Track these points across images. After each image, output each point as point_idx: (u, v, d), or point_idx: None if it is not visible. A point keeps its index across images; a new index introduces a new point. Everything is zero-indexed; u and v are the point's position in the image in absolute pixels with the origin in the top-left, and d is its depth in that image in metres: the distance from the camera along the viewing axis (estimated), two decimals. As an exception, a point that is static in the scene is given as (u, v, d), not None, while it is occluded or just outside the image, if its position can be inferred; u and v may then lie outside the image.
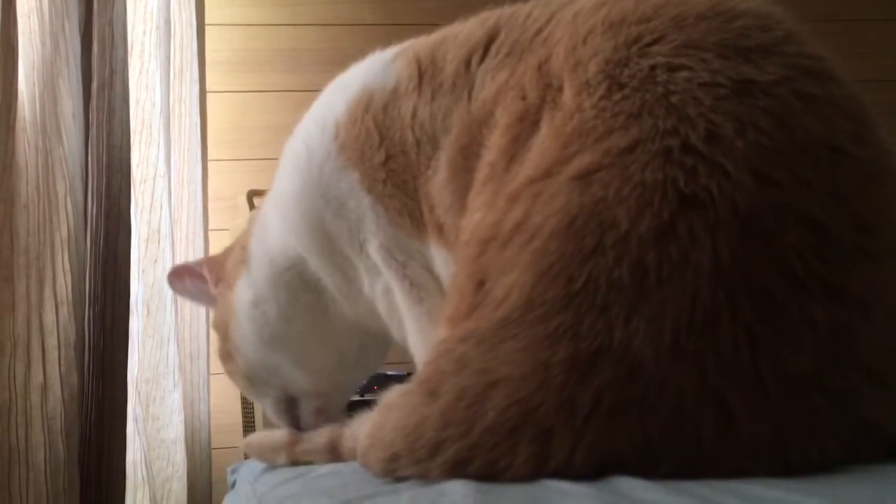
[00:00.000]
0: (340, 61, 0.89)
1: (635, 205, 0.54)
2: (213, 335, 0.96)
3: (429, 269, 0.76)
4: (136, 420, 1.51)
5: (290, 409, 0.88)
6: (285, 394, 0.89)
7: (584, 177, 0.56)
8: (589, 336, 0.52)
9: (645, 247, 0.53)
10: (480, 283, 0.60)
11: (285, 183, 0.84)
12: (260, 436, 0.88)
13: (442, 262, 0.74)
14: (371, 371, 0.96)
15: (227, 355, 0.90)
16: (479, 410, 0.53)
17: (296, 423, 0.87)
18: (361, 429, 0.67)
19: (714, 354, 0.51)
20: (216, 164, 1.96)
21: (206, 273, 0.94)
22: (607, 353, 0.51)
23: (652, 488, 0.47)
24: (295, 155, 0.83)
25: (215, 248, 1.84)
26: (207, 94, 1.97)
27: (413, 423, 0.56)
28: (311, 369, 0.88)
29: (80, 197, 1.39)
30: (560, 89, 0.64)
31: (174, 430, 1.63)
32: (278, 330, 0.85)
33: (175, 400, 1.64)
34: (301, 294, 0.84)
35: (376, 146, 0.77)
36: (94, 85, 1.48)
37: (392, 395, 0.64)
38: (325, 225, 0.80)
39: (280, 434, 0.84)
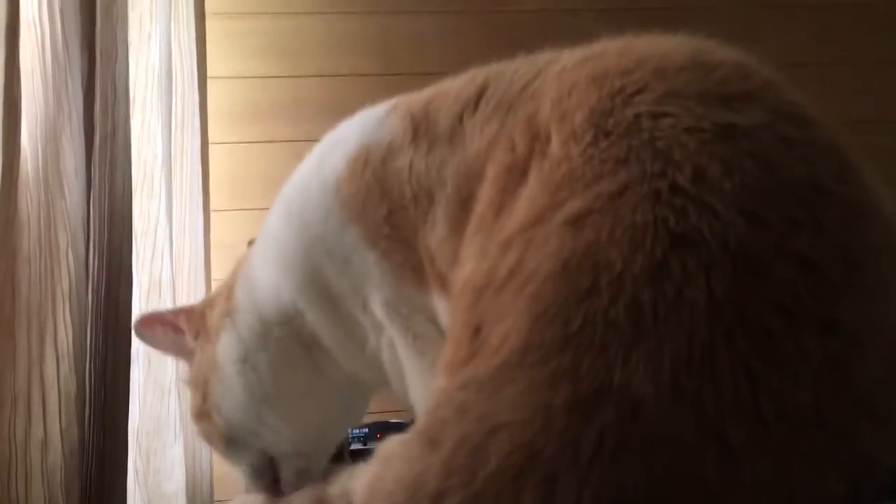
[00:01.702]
0: (341, 111, 0.90)
1: (628, 245, 0.54)
2: (187, 392, 0.93)
3: (433, 322, 0.77)
4: (136, 473, 1.50)
5: (269, 473, 0.86)
6: (264, 456, 0.87)
7: (575, 221, 0.57)
8: (588, 377, 0.52)
9: (640, 286, 0.53)
10: (477, 330, 0.60)
11: (286, 237, 0.84)
12: (241, 501, 0.87)
13: (445, 313, 0.74)
14: (355, 424, 0.95)
15: (203, 415, 0.88)
16: (481, 457, 0.53)
17: (274, 488, 0.86)
18: (358, 482, 0.66)
19: (713, 391, 0.51)
20: (218, 214, 1.98)
21: (182, 324, 0.93)
22: (608, 393, 0.51)
23: None
24: (297, 207, 0.83)
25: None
26: (209, 146, 1.99)
27: (414, 474, 0.56)
28: (297, 427, 0.86)
29: (81, 249, 1.40)
30: (548, 140, 0.65)
31: (175, 482, 1.62)
32: (268, 387, 0.84)
33: (176, 452, 1.62)
34: (293, 349, 0.84)
35: (377, 201, 0.78)
36: (97, 139, 1.50)
37: (390, 446, 0.64)
38: (329, 283, 0.81)
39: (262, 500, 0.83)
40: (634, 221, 0.55)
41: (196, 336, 0.91)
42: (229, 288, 0.91)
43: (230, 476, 1.78)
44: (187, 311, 0.96)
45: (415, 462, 0.57)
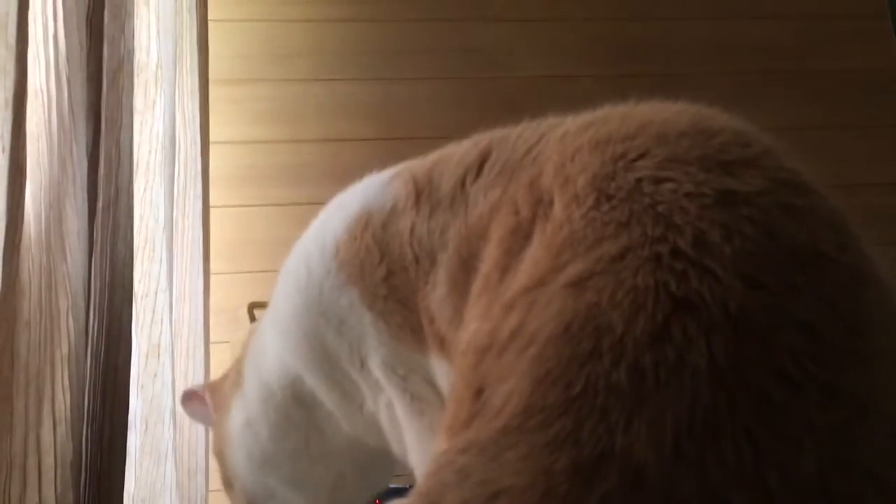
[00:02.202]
0: (341, 174, 0.91)
1: (629, 308, 0.54)
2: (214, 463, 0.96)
3: (430, 383, 0.77)
4: (132, 541, 1.47)
5: None
6: None
7: (577, 283, 0.58)
8: (590, 442, 0.51)
9: (641, 349, 0.53)
10: (479, 392, 0.60)
11: (285, 303, 0.85)
12: None
13: (443, 374, 0.74)
14: (376, 489, 0.94)
15: (227, 482, 0.89)
16: None
17: None
18: None
19: (716, 458, 0.50)
20: (218, 276, 1.98)
21: (207, 398, 0.95)
22: (610, 458, 0.51)
23: None
24: (294, 275, 0.85)
25: (216, 361, 1.84)
26: (210, 209, 2.00)
27: None
28: (307, 490, 0.86)
29: (81, 313, 1.40)
30: (550, 203, 0.66)
31: (171, 551, 1.58)
32: (269, 449, 0.85)
33: (172, 519, 1.59)
34: (293, 412, 0.84)
35: (376, 262, 0.79)
36: (100, 204, 1.51)
37: None
38: (325, 344, 0.81)
39: None
40: (636, 284, 0.55)
41: (215, 410, 0.93)
42: (240, 360, 0.93)
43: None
44: (211, 386, 0.99)
45: None
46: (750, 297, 0.54)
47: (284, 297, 0.85)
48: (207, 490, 1.71)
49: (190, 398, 1.00)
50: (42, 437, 1.27)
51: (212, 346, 1.87)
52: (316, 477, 0.86)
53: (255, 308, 1.86)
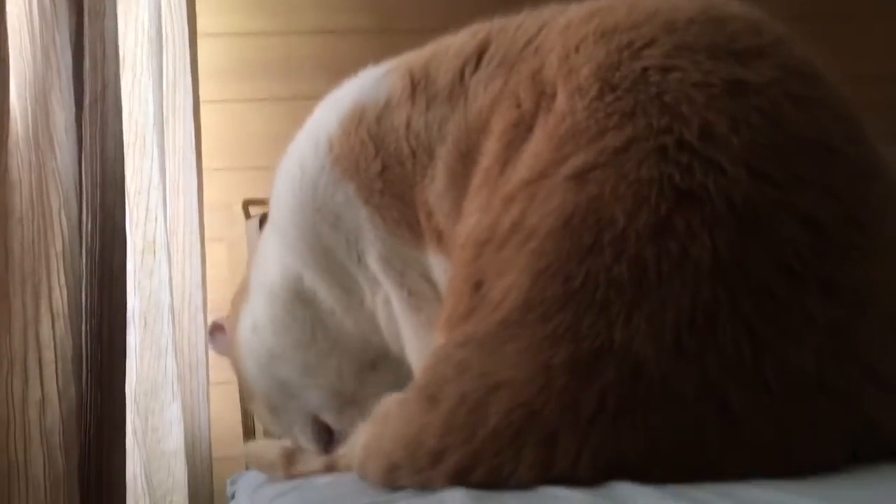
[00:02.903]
0: (336, 68, 0.88)
1: (632, 201, 0.53)
2: None
3: (427, 278, 0.76)
4: (135, 432, 1.50)
5: (321, 431, 0.87)
6: (308, 417, 0.87)
7: (579, 176, 0.56)
8: (590, 336, 0.51)
9: (643, 243, 0.52)
10: (477, 286, 0.59)
11: (281, 203, 0.84)
12: (259, 447, 0.87)
13: (441, 269, 0.74)
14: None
15: (248, 394, 0.90)
16: (481, 416, 0.52)
17: (328, 447, 0.86)
18: (357, 440, 0.66)
19: (716, 353, 0.50)
20: (211, 173, 1.96)
21: (225, 324, 0.95)
22: (609, 352, 0.50)
23: (649, 493, 0.47)
24: (288, 174, 0.83)
25: (212, 259, 1.83)
26: (201, 104, 1.96)
27: (413, 432, 0.55)
28: (324, 384, 0.86)
29: (74, 211, 1.38)
30: (553, 96, 0.64)
31: (174, 441, 1.62)
32: (273, 343, 0.85)
33: (174, 411, 1.63)
34: (297, 309, 0.84)
35: (371, 157, 0.77)
36: (87, 98, 1.47)
37: (388, 404, 0.63)
38: (323, 240, 0.80)
39: (277, 450, 0.83)
40: (639, 177, 0.54)
41: (230, 329, 0.95)
42: (246, 275, 0.93)
43: (229, 433, 1.79)
44: (227, 312, 1.00)
45: (413, 420, 0.56)
46: (755, 189, 0.53)
47: (280, 196, 0.84)
48: (209, 384, 1.74)
49: (213, 334, 1.01)
50: (41, 333, 1.27)
51: (208, 244, 1.86)
52: (330, 371, 0.87)
53: (249, 205, 1.84)
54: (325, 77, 0.89)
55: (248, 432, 1.72)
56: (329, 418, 0.86)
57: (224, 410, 1.80)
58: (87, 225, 1.41)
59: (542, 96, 0.65)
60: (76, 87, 1.47)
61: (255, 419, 1.65)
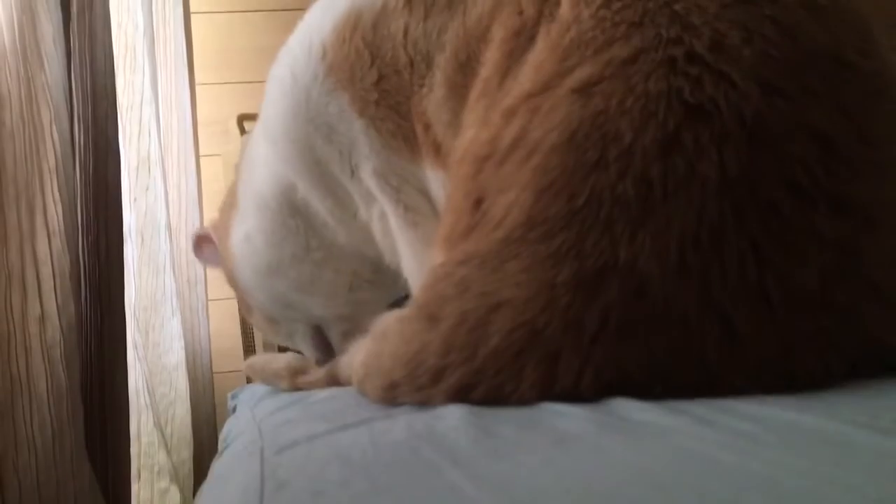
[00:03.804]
0: None
1: (639, 116, 0.51)
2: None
3: (424, 193, 0.74)
4: (136, 347, 1.51)
5: (321, 339, 0.86)
6: (311, 324, 0.87)
7: (584, 89, 0.54)
8: (593, 254, 0.50)
9: (649, 159, 0.50)
10: (478, 202, 0.57)
11: (272, 111, 0.81)
12: (262, 360, 0.87)
13: (438, 184, 0.72)
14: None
15: (245, 307, 0.89)
16: (482, 334, 0.51)
17: (330, 352, 0.86)
18: (356, 357, 0.65)
19: (719, 270, 0.49)
20: (204, 88, 1.91)
21: (212, 234, 0.92)
22: (613, 270, 0.49)
23: (648, 409, 0.47)
24: (280, 81, 0.80)
25: (207, 174, 1.81)
26: (192, 16, 1.90)
27: (413, 350, 0.55)
28: (322, 292, 0.86)
29: (65, 125, 1.35)
30: (558, 3, 0.61)
31: (175, 355, 1.63)
32: (270, 256, 0.84)
33: (174, 326, 1.63)
34: (289, 219, 0.82)
35: (367, 66, 0.74)
36: (74, 8, 1.42)
37: (387, 322, 0.63)
38: (315, 151, 0.78)
39: (282, 361, 0.83)
40: (647, 90, 0.52)
41: (218, 239, 0.92)
42: (234, 182, 0.90)
43: (229, 347, 1.81)
44: (214, 222, 0.96)
45: (413, 338, 0.55)
46: (766, 104, 0.51)
47: (271, 104, 0.81)
48: (207, 299, 1.74)
49: (199, 245, 0.99)
50: (38, 248, 1.26)
51: (202, 159, 1.83)
52: (326, 280, 0.85)
53: (244, 120, 1.81)
54: None
55: (248, 348, 1.73)
56: (332, 330, 0.86)
57: (223, 326, 1.81)
58: (79, 140, 1.38)
59: (546, 3, 0.62)
60: (63, -3, 1.42)
61: (254, 334, 1.66)
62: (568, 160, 0.52)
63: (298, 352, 0.94)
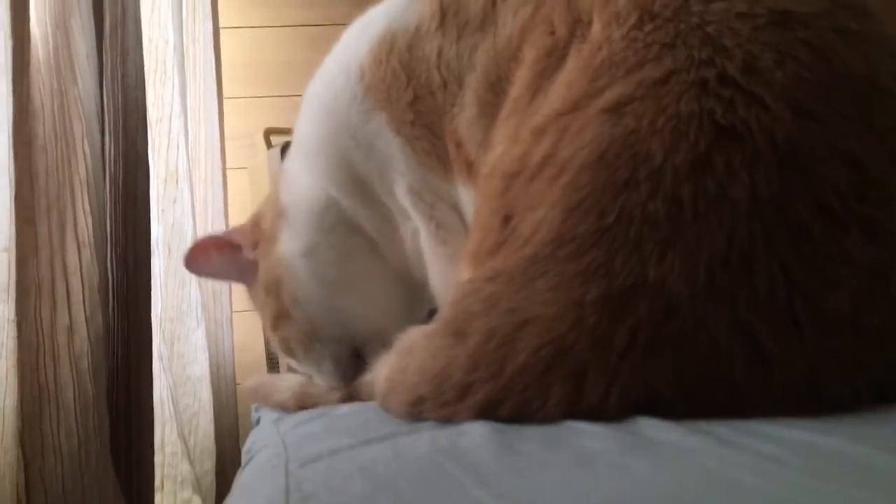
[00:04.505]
0: None
1: (670, 137, 0.51)
2: (261, 301, 0.88)
3: (456, 210, 0.75)
4: (161, 359, 1.52)
5: (351, 364, 0.84)
6: (347, 346, 0.85)
7: (615, 109, 0.54)
8: (622, 273, 0.50)
9: (680, 180, 0.50)
10: (506, 219, 0.57)
11: (312, 129, 0.82)
12: (265, 385, 0.87)
13: (469, 201, 0.72)
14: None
15: (282, 317, 0.85)
16: (509, 351, 0.51)
17: (352, 381, 0.85)
18: (380, 372, 0.65)
19: (749, 292, 0.49)
20: (232, 101, 1.93)
21: (237, 239, 0.90)
22: (642, 290, 0.49)
23: (672, 428, 0.46)
24: (321, 100, 0.81)
25: (234, 188, 1.82)
26: (221, 31, 1.92)
27: (439, 366, 0.55)
28: (382, 308, 0.84)
29: (97, 138, 1.37)
30: (589, 24, 0.61)
31: (199, 367, 1.64)
32: (338, 272, 0.82)
33: (199, 338, 1.64)
34: (347, 235, 0.82)
35: (403, 87, 0.75)
36: (107, 25, 1.45)
37: (413, 337, 0.63)
38: (356, 168, 0.79)
39: (286, 391, 0.83)
40: (678, 111, 0.51)
41: (255, 245, 0.88)
42: (273, 196, 0.89)
43: (252, 360, 1.82)
44: (237, 229, 0.93)
45: (439, 354, 0.55)
46: (798, 127, 0.51)
47: (312, 121, 0.82)
48: (232, 311, 1.76)
49: (203, 250, 0.91)
50: (67, 260, 1.28)
51: (229, 172, 1.85)
52: (391, 295, 0.84)
53: (271, 134, 1.82)
54: (346, 4, 0.86)
55: (272, 362, 1.74)
56: (370, 350, 0.83)
57: (247, 339, 1.81)
58: (109, 152, 1.40)
59: (578, 24, 0.62)
60: (96, 13, 1.45)
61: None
62: (598, 179, 0.52)
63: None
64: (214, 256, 0.91)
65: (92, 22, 1.41)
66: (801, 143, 0.51)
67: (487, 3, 0.72)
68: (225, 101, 1.89)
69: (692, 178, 0.50)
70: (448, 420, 0.53)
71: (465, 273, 0.61)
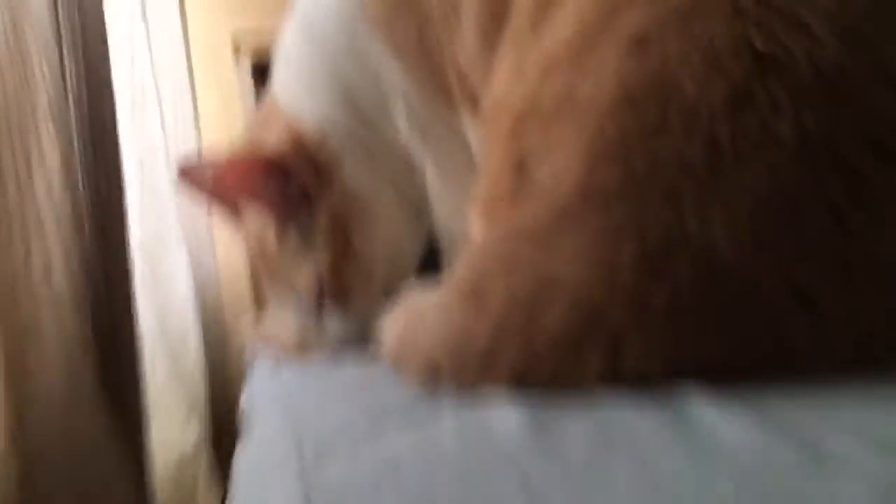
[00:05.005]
0: None
1: (704, 69, 0.44)
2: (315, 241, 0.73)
3: (463, 145, 0.67)
4: (143, 281, 1.45)
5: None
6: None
7: (638, 40, 0.46)
8: (658, 227, 0.43)
9: (717, 119, 0.43)
10: (520, 166, 0.50)
11: (310, 52, 0.73)
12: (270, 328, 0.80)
13: (476, 136, 0.64)
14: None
15: (339, 271, 0.73)
16: (536, 316, 0.45)
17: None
18: (385, 333, 0.59)
19: (798, 242, 0.43)
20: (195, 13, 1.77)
21: (290, 162, 0.72)
22: (680, 246, 0.43)
23: (728, 417, 0.39)
24: (318, 31, 0.71)
25: (203, 104, 1.72)
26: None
27: (456, 331, 0.48)
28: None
29: (55, 59, 1.25)
30: None
31: (183, 286, 1.58)
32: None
33: (181, 258, 1.57)
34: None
35: (404, 13, 0.66)
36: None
37: (421, 298, 0.56)
38: (358, 99, 0.71)
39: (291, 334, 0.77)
40: (712, 41, 0.44)
41: (315, 173, 0.72)
42: (286, 124, 0.74)
43: (236, 280, 1.75)
44: (291, 147, 0.73)
45: (455, 319, 0.49)
46: (846, 53, 0.43)
47: (306, 43, 0.73)
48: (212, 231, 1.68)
49: (232, 174, 0.74)
50: (37, 190, 1.19)
51: (197, 89, 1.72)
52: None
53: (238, 40, 1.69)
54: None
55: (256, 276, 1.68)
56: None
57: (230, 261, 1.74)
58: (71, 75, 1.28)
59: None
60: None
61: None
62: (625, 121, 0.45)
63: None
64: (258, 181, 0.72)
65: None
66: (849, 72, 0.44)
67: None
68: (190, 13, 1.74)
69: (731, 115, 0.43)
70: (469, 387, 0.47)
71: (475, 221, 0.54)
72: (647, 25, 0.46)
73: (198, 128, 1.67)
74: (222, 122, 1.70)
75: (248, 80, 1.69)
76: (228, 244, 1.67)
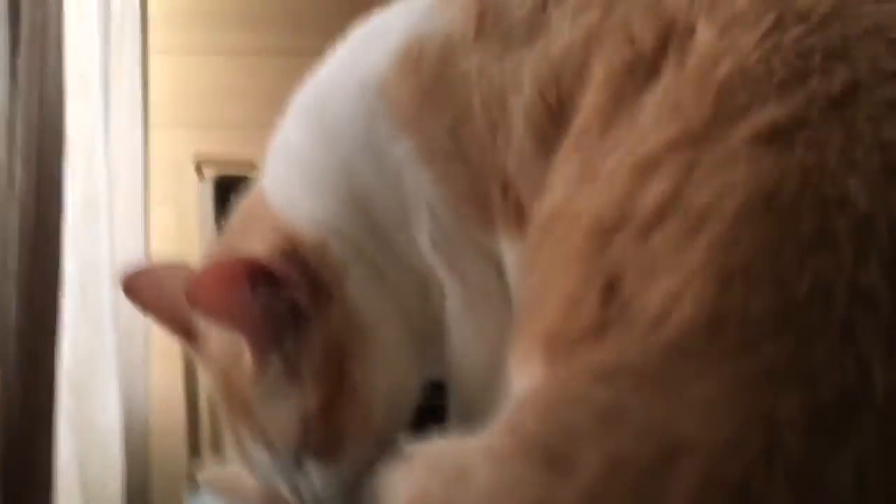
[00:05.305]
0: (297, 22, 0.65)
1: (872, 171, 0.34)
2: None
3: (493, 268, 0.55)
4: (67, 413, 1.26)
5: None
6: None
7: (775, 136, 0.36)
8: (830, 376, 0.31)
9: None
10: (610, 288, 0.38)
11: (317, 153, 0.60)
12: (228, 476, 0.63)
13: (515, 257, 0.52)
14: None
15: (334, 406, 0.59)
16: (654, 492, 0.32)
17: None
18: (400, 491, 0.44)
19: None
20: (159, 129, 1.68)
21: (280, 270, 0.58)
22: (864, 403, 0.31)
23: None
24: (327, 123, 0.59)
25: (159, 223, 1.59)
26: (150, 55, 1.69)
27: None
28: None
29: (3, 159, 1.12)
30: (690, 30, 0.44)
31: (110, 417, 1.38)
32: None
33: (111, 385, 1.39)
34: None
35: (438, 108, 0.55)
36: (24, 30, 1.20)
37: (447, 448, 0.42)
38: (373, 207, 0.58)
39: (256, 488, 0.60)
40: (879, 135, 0.35)
41: (312, 285, 0.59)
42: (277, 227, 0.60)
43: (169, 408, 1.56)
44: (283, 253, 0.59)
45: (525, 491, 0.35)
46: None
47: (311, 146, 0.59)
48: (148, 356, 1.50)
49: (212, 281, 0.58)
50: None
51: (152, 205, 1.60)
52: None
53: (202, 164, 1.60)
54: (291, 29, 0.66)
55: (192, 405, 1.50)
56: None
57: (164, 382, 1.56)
58: (19, 176, 1.14)
59: (672, 30, 0.45)
60: (11, 17, 1.20)
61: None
62: (770, 232, 0.34)
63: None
64: (245, 288, 0.58)
65: (6, 27, 1.16)
66: None
67: (536, 8, 0.54)
68: (151, 128, 1.64)
69: None
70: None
71: (535, 362, 0.41)
72: (783, 118, 0.37)
73: (147, 245, 1.53)
74: (174, 243, 1.57)
75: (209, 201, 1.58)
76: (163, 373, 1.50)
